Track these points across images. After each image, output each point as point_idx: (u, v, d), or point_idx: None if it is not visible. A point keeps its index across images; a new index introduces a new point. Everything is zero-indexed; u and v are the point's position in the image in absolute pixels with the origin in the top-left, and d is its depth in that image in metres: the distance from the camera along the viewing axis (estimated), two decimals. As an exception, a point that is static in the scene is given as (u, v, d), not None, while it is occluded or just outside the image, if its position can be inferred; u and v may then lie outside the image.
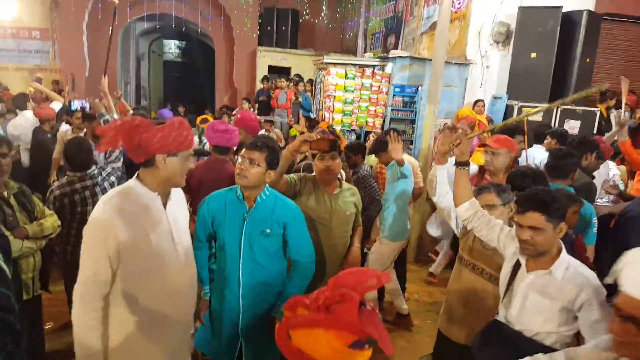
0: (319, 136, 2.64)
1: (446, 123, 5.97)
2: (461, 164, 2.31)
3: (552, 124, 6.82)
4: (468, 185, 2.31)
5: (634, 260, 1.25)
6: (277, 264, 2.43)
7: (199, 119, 6.46)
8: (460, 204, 2.29)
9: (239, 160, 2.32)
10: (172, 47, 18.59)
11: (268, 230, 2.34)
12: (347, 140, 6.07)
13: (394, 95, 7.40)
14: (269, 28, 11.78)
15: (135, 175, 1.92)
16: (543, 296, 1.90)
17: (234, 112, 9.29)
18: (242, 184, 2.32)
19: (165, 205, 1.95)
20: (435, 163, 2.70)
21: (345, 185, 2.98)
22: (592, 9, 7.20)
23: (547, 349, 1.83)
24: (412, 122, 7.43)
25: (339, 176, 3.00)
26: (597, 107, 7.13)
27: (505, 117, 7.01)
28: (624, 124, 5.01)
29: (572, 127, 6.95)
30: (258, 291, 2.38)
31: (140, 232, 1.84)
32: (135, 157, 1.85)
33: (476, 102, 7.06)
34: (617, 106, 7.03)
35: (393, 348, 1.09)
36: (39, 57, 12.49)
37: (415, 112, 7.34)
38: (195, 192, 3.32)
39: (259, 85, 10.89)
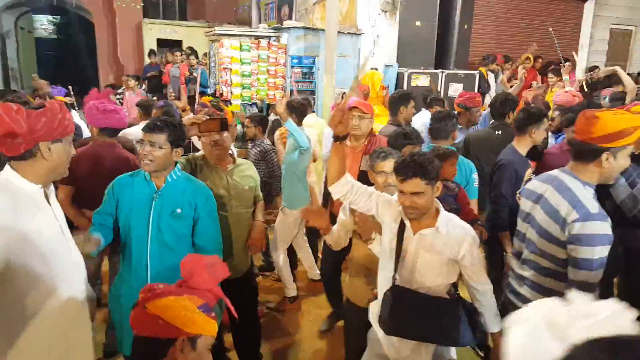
0: (206, 117, 2.53)
1: (343, 92, 6.14)
2: (339, 138, 2.06)
3: (439, 87, 7.34)
4: (344, 161, 2.17)
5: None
6: (187, 248, 2.34)
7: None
8: (335, 181, 2.12)
9: (140, 145, 2.21)
10: (44, 23, 16.57)
11: (179, 210, 2.26)
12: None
13: (292, 67, 7.41)
14: (154, -1, 11.00)
15: (8, 166, 1.68)
16: (432, 252, 2.01)
17: (119, 91, 8.65)
18: (150, 170, 2.22)
19: (48, 198, 1.76)
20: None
21: (239, 160, 2.92)
22: (466, -22, 7.75)
23: (442, 301, 2.02)
24: (313, 92, 7.53)
25: (230, 152, 2.94)
26: (479, 70, 7.78)
27: (397, 84, 7.39)
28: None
29: (456, 89, 7.51)
30: (167, 276, 2.25)
31: (28, 232, 1.63)
32: (12, 150, 1.62)
33: (373, 70, 7.33)
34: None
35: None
36: None
37: (315, 82, 7.44)
38: (81, 183, 2.99)
39: (147, 61, 10.20)
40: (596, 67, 9.08)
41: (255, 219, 2.92)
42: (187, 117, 2.80)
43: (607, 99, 5.18)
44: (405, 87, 7.21)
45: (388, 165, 2.40)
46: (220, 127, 2.60)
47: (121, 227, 2.30)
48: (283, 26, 7.38)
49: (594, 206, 1.85)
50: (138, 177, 2.30)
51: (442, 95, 6.87)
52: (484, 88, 7.68)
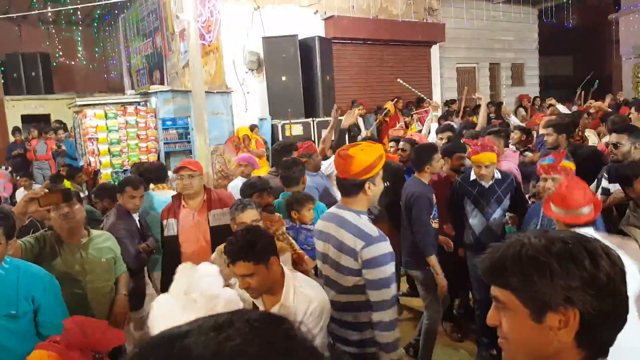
0: (45, 191, 2.39)
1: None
2: None
3: (312, 135, 7.80)
4: None
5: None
6: (32, 344, 2.05)
7: None
8: None
9: None
10: None
11: (14, 312, 2.03)
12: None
13: (166, 129, 7.43)
14: (15, 75, 10.44)
15: None
16: None
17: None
18: None
19: None
20: None
21: (95, 232, 2.82)
22: (322, 34, 8.52)
23: None
24: (190, 152, 7.57)
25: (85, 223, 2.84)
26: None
27: (272, 135, 7.72)
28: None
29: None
30: None
31: None
32: None
33: (252, 126, 7.58)
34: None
35: None
36: None
37: (192, 141, 7.50)
38: None
39: (11, 139, 9.54)
40: (453, 100, 10.34)
41: (117, 293, 2.80)
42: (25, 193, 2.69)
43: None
44: (280, 137, 7.56)
45: (247, 215, 2.50)
46: (63, 198, 2.46)
47: None
48: (150, 90, 7.43)
49: (373, 230, 2.03)
50: None
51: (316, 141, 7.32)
52: (354, 132, 8.33)
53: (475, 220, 3.38)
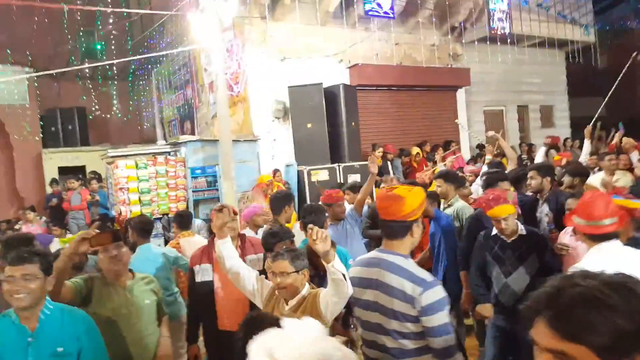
0: (96, 232, 2.50)
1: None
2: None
3: (338, 180, 7.75)
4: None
5: None
6: None
7: None
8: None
9: (5, 283, 2.04)
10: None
11: (61, 349, 2.09)
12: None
13: (195, 177, 7.54)
14: (53, 129, 10.99)
15: None
16: None
17: (16, 227, 8.21)
18: (22, 306, 2.04)
19: None
20: (217, 239, 2.60)
21: (139, 275, 2.86)
22: (347, 82, 8.66)
23: None
24: (218, 199, 7.62)
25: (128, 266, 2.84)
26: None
27: (298, 181, 7.72)
28: None
29: (354, 179, 7.97)
30: None
31: None
32: None
33: (275, 171, 7.64)
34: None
35: None
36: None
37: (219, 189, 7.56)
38: None
39: (49, 190, 9.88)
40: (482, 145, 10.17)
41: (161, 336, 2.81)
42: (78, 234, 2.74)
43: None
44: (306, 182, 7.56)
45: (277, 266, 2.38)
46: (113, 239, 2.55)
47: None
48: (180, 141, 7.61)
49: (427, 274, 2.00)
50: (2, 321, 2.08)
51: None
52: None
53: (494, 278, 3.16)
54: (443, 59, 10.32)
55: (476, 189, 5.30)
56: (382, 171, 8.37)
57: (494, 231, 3.13)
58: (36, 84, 10.69)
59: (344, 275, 2.06)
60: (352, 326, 3.10)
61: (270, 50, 8.10)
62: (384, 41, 9.40)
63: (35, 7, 8.59)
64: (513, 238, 3.05)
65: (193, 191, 7.44)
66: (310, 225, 2.11)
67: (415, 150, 9.00)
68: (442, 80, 10.18)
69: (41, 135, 10.98)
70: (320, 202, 4.03)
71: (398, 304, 1.97)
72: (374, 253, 2.19)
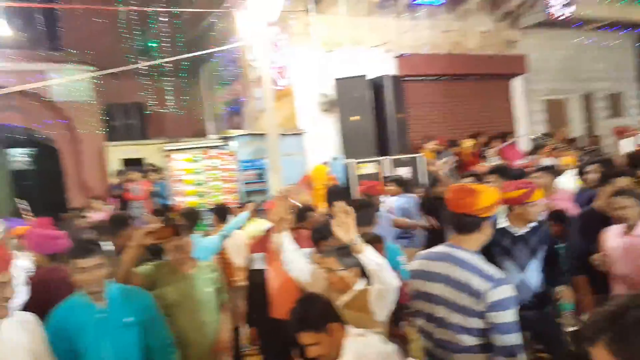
0: (159, 226, 2.74)
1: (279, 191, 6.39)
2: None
3: (385, 173, 7.68)
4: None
5: None
6: (141, 353, 2.43)
7: None
8: None
9: (78, 274, 2.29)
10: (21, 156, 17.16)
11: (129, 319, 2.36)
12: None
13: (245, 170, 7.76)
14: (115, 123, 11.70)
15: None
16: None
17: (83, 214, 8.79)
18: (94, 291, 2.32)
19: None
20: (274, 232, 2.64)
21: (202, 263, 3.03)
22: (394, 73, 8.52)
23: None
24: (267, 191, 7.81)
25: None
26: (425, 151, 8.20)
27: (345, 174, 7.74)
28: None
29: (403, 172, 7.85)
30: None
31: None
32: None
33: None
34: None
35: None
36: None
37: (268, 182, 7.74)
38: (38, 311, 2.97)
39: (113, 181, 10.54)
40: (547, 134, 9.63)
41: (220, 322, 2.96)
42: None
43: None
44: (352, 176, 7.56)
45: (327, 262, 2.44)
46: (174, 232, 2.77)
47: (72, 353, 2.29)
48: (230, 135, 7.84)
49: (496, 271, 2.01)
50: (75, 302, 2.34)
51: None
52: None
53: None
54: (496, 45, 9.88)
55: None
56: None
57: (505, 223, 2.97)
58: (99, 82, 11.37)
59: (380, 265, 2.06)
60: (403, 322, 3.08)
61: (315, 43, 8.12)
62: (432, 29, 9.14)
63: (95, 9, 9.12)
64: (525, 230, 2.92)
65: (244, 183, 7.68)
66: (335, 208, 2.11)
67: (468, 142, 8.62)
68: (495, 68, 9.76)
69: (104, 129, 11.71)
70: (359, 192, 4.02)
71: (464, 299, 1.98)
72: (441, 247, 2.19)
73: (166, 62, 9.20)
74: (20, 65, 10.60)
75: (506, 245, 2.92)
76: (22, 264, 3.11)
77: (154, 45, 10.96)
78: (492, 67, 9.71)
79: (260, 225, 4.81)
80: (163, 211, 6.68)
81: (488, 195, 2.02)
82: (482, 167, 6.96)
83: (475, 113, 9.71)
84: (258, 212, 4.83)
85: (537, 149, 8.12)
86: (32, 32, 10.88)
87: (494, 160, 7.19)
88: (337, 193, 4.14)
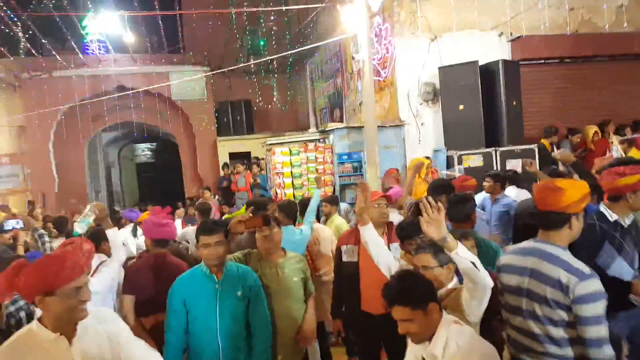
0: (249, 215, 2.85)
1: (357, 182, 6.17)
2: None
3: (494, 166, 7.05)
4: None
5: None
6: (244, 325, 2.65)
7: None
8: None
9: (202, 248, 2.58)
10: (144, 150, 19.28)
11: (239, 293, 2.58)
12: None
13: (342, 163, 7.70)
14: (225, 119, 12.47)
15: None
16: None
17: (197, 203, 9.47)
18: (216, 264, 2.58)
19: (71, 341, 1.74)
20: (359, 225, 2.60)
21: (290, 253, 3.08)
22: (508, 57, 7.77)
23: None
24: (364, 185, 7.66)
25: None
26: (541, 142, 7.41)
27: (447, 167, 7.26)
28: None
29: (514, 165, 7.14)
30: (235, 351, 2.61)
31: None
32: (29, 300, 1.79)
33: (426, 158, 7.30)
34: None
35: None
36: (10, 182, 12.80)
37: (364, 175, 7.59)
38: (139, 291, 3.17)
39: (221, 173, 11.24)
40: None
41: (306, 312, 3.01)
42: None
43: None
44: (456, 169, 7.06)
45: (419, 259, 2.38)
46: (263, 223, 2.85)
47: (190, 322, 2.57)
48: (327, 129, 7.81)
49: (584, 267, 2.02)
50: (196, 274, 2.63)
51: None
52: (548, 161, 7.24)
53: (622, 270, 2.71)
54: (635, 21, 8.50)
55: None
56: (543, 155, 7.31)
57: (613, 217, 2.74)
58: (212, 81, 12.21)
59: (474, 264, 1.94)
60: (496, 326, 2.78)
61: (420, 31, 7.72)
62: (555, 7, 8.14)
63: (208, 13, 9.74)
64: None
65: (339, 176, 7.60)
66: (423, 203, 1.99)
67: (592, 129, 7.58)
68: (631, 47, 8.42)
69: (216, 125, 12.55)
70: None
71: (551, 292, 2.04)
72: (529, 242, 2.24)
73: (273, 60, 9.51)
74: (145, 68, 11.78)
75: (620, 239, 2.73)
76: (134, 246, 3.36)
77: (263, 43, 11.42)
78: (628, 46, 8.39)
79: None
80: (258, 205, 6.88)
81: (574, 191, 2.06)
82: (604, 159, 6.02)
83: (604, 99, 8.49)
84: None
85: None
86: (154, 37, 12.01)
87: (620, 151, 6.16)
88: (438, 187, 3.80)
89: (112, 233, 3.19)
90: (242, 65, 9.55)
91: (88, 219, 3.30)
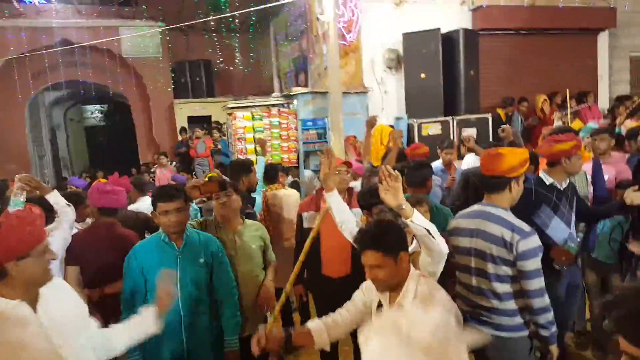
0: (204, 180, 2.83)
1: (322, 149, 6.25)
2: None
3: (451, 134, 7.32)
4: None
5: None
6: (208, 294, 2.65)
7: None
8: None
9: (161, 216, 2.52)
10: (94, 112, 18.25)
11: (202, 260, 2.58)
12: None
13: (306, 129, 7.70)
14: (183, 80, 11.97)
15: None
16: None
17: (152, 169, 9.24)
18: (177, 231, 2.54)
19: (35, 307, 1.67)
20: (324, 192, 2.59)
21: (249, 221, 3.08)
22: (469, 27, 7.93)
23: None
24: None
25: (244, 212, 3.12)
26: (496, 111, 7.72)
27: (407, 135, 7.44)
28: None
29: (469, 133, 7.43)
30: (200, 328, 2.62)
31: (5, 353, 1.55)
32: None
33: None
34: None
35: None
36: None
37: (328, 141, 7.64)
38: (83, 262, 3.03)
39: (179, 138, 10.93)
40: (628, 97, 8.70)
41: (265, 279, 3.03)
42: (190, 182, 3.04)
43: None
44: (416, 137, 7.26)
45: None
46: (219, 187, 2.82)
47: (148, 291, 2.50)
48: (291, 93, 7.74)
49: (525, 225, 2.27)
50: (155, 241, 2.58)
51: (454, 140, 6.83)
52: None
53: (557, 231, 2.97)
54: (586, -4, 8.85)
55: None
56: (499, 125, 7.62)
57: (549, 180, 2.99)
58: (167, 38, 11.55)
59: (428, 231, 1.98)
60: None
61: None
62: (515, -22, 8.33)
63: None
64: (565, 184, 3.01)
65: (303, 142, 7.62)
66: (382, 171, 2.03)
67: (541, 98, 7.97)
68: (581, 22, 8.80)
69: (172, 86, 12.01)
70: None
71: (497, 250, 2.27)
72: (476, 206, 2.46)
73: (235, 18, 9.12)
74: (92, 21, 10.93)
75: (555, 201, 2.95)
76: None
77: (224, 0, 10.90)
78: (578, 20, 8.74)
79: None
80: (223, 170, 6.81)
81: (513, 157, 2.27)
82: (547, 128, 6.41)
83: (555, 71, 8.89)
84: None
85: (614, 111, 7.36)
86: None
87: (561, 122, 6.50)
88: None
89: (54, 195, 3.02)
90: (200, 20, 9.07)
91: (19, 198, 2.82)
